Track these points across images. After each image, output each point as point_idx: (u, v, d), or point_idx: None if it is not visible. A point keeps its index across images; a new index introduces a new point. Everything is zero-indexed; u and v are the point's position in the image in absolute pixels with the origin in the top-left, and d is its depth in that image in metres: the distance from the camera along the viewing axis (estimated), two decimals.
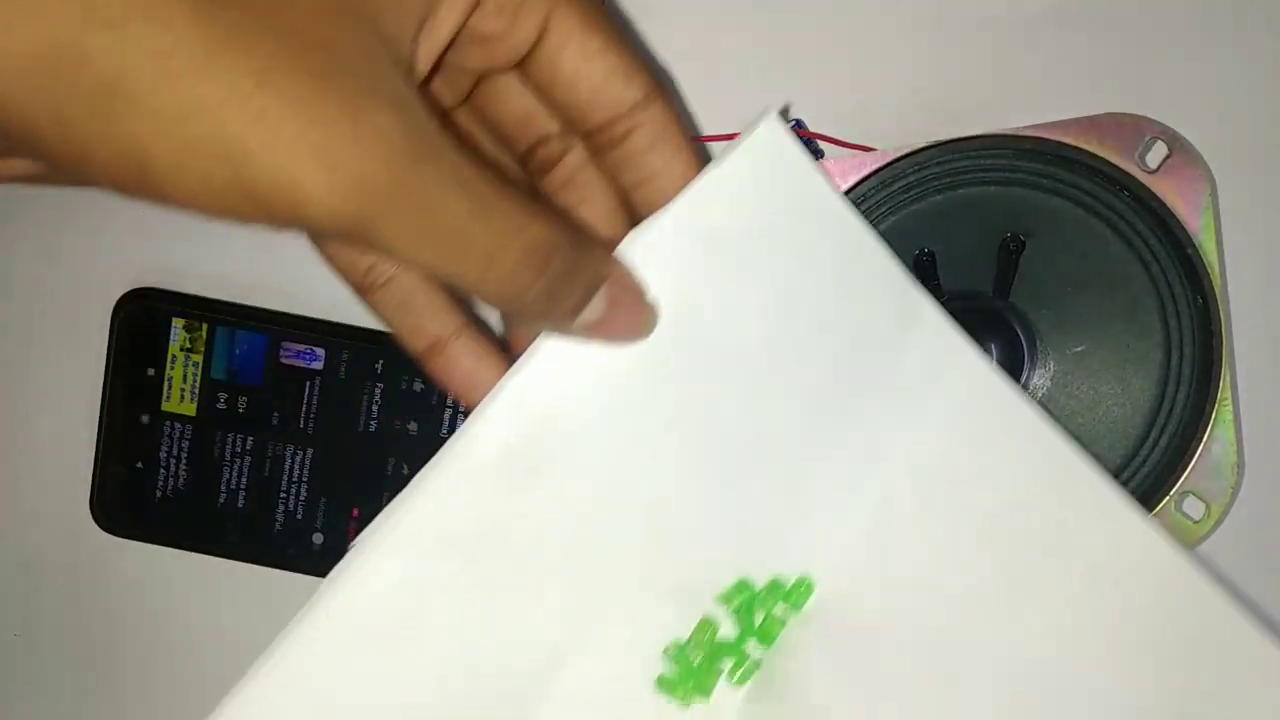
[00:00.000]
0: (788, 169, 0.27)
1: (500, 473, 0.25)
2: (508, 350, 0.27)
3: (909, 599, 0.30)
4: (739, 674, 0.29)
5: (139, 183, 0.19)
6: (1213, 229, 0.32)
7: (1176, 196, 0.32)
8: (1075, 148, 0.32)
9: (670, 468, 0.28)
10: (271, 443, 0.37)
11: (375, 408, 0.36)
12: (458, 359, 0.27)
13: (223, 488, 0.37)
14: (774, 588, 0.29)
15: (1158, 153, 0.32)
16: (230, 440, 0.37)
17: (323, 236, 0.20)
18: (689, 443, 0.28)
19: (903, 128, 0.33)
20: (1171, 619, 0.28)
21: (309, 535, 0.37)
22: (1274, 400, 0.33)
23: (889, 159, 0.32)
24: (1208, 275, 0.32)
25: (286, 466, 0.37)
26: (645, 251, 0.25)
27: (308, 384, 0.37)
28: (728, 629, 0.29)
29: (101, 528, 0.38)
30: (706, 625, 0.29)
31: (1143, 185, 0.32)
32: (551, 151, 0.27)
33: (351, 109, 0.19)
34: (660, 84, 0.25)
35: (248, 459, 0.37)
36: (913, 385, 0.30)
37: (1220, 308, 0.32)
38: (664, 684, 0.29)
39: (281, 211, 0.19)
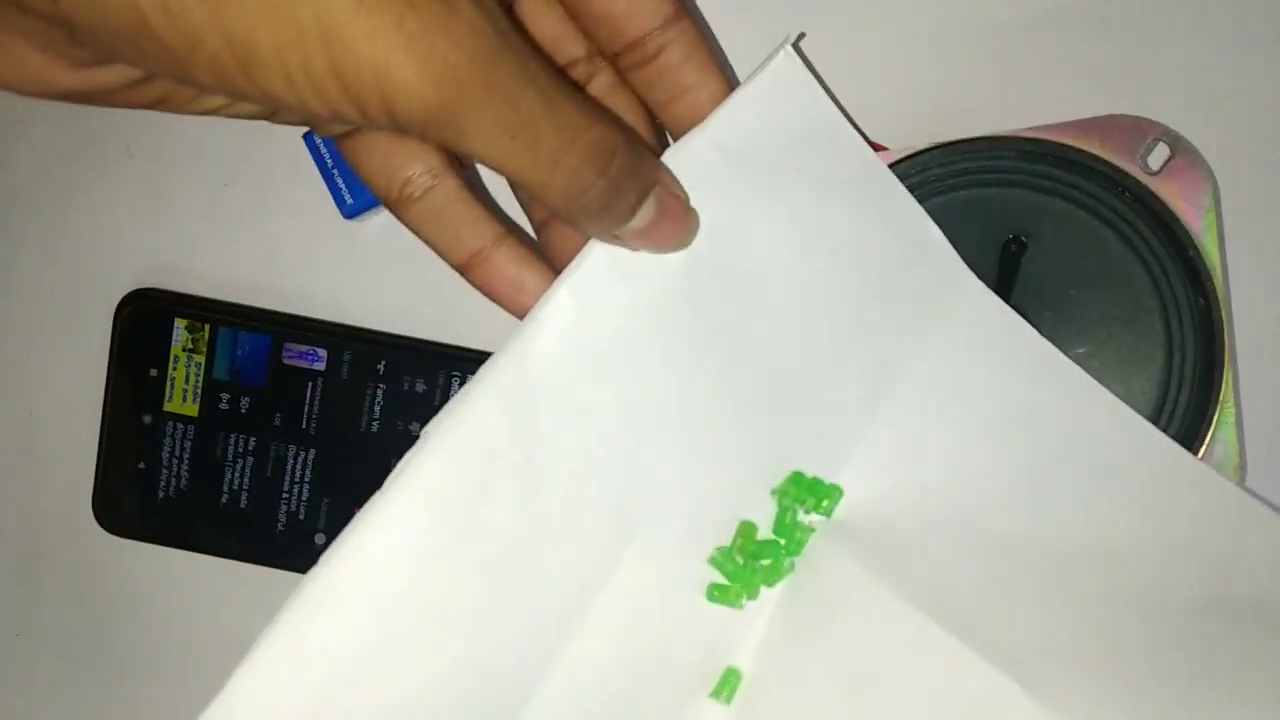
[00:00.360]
0: (804, 97, 0.28)
1: (557, 369, 0.26)
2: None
3: (935, 502, 0.31)
4: (775, 575, 0.30)
5: (242, 72, 0.20)
6: (1215, 230, 0.32)
7: (1178, 198, 0.32)
8: (1077, 149, 0.32)
9: (702, 382, 0.28)
10: (274, 443, 0.37)
11: (377, 408, 0.36)
12: (501, 267, 0.27)
13: (225, 488, 0.37)
14: (815, 484, 0.30)
15: (1160, 154, 0.32)
16: (232, 441, 0.37)
17: (403, 128, 0.21)
18: (719, 358, 0.28)
19: (904, 129, 0.33)
20: (1173, 501, 0.30)
21: (311, 536, 0.37)
22: (1276, 402, 0.33)
23: (890, 160, 0.32)
24: (1209, 277, 0.32)
25: (289, 467, 0.37)
26: (683, 166, 0.26)
27: (310, 385, 0.37)
28: (765, 531, 0.30)
29: (104, 528, 0.38)
30: (748, 528, 0.30)
31: (1144, 187, 0.32)
32: (579, 75, 0.28)
33: (444, 1, 0.20)
34: (687, 2, 0.26)
35: (250, 459, 0.37)
36: (926, 308, 0.31)
37: (1222, 309, 0.31)
38: (716, 592, 0.30)
39: (373, 101, 0.20)
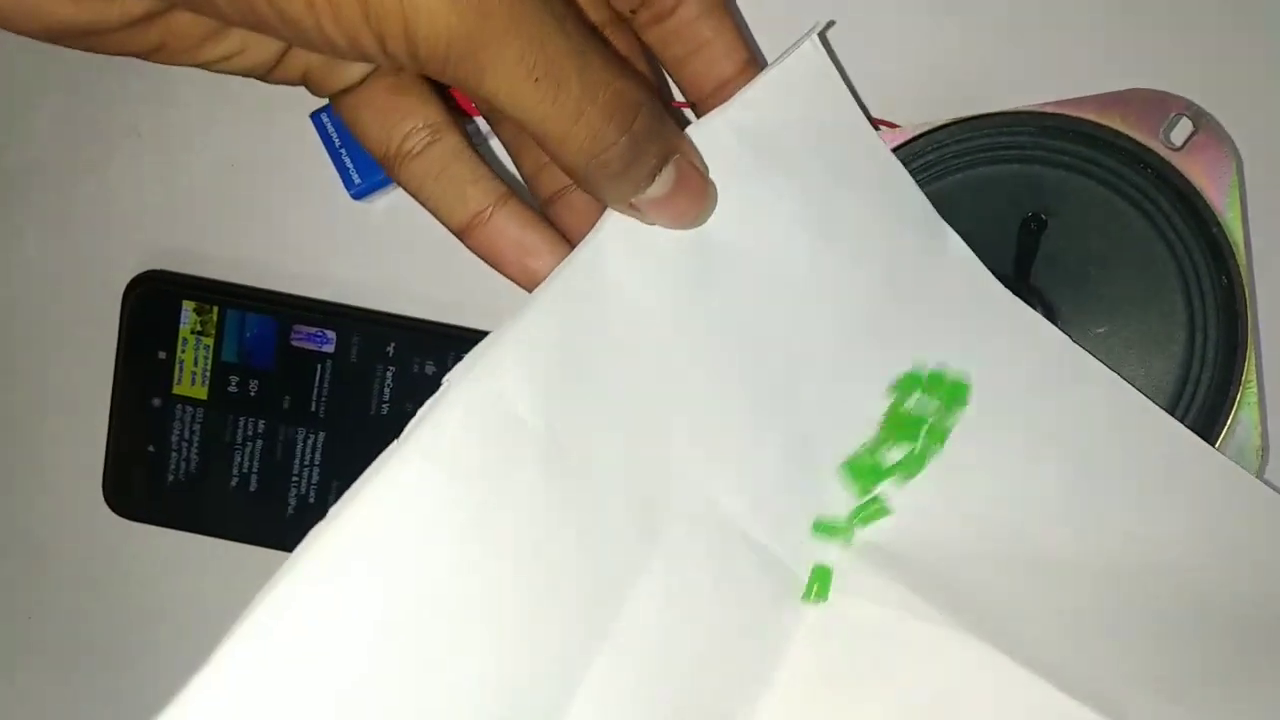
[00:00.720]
0: (826, 89, 0.28)
1: (576, 337, 0.25)
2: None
3: (980, 522, 0.29)
4: (918, 465, 0.30)
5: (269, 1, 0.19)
6: (1239, 208, 0.31)
7: (1202, 175, 0.31)
8: (1098, 125, 0.31)
9: (721, 369, 0.27)
10: (283, 426, 0.37)
11: (387, 391, 0.36)
12: (504, 228, 0.26)
13: (234, 471, 0.37)
14: (937, 378, 0.30)
15: (1183, 130, 0.31)
16: (242, 424, 0.37)
17: (421, 63, 0.20)
18: (737, 346, 0.27)
19: (921, 104, 0.33)
20: (1225, 513, 0.29)
21: (321, 519, 0.37)
22: None
23: (907, 136, 0.31)
24: (1233, 255, 0.31)
25: (298, 450, 0.37)
26: (702, 145, 0.26)
27: (319, 367, 0.36)
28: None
29: (113, 511, 0.38)
30: (898, 411, 0.29)
31: (1167, 163, 0.31)
32: None
33: None
34: None
35: (259, 442, 0.37)
36: (956, 318, 0.30)
37: (1245, 288, 0.31)
38: (852, 471, 0.29)
39: (394, 27, 0.19)
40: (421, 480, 0.22)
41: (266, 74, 0.25)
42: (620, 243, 0.25)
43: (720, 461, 0.28)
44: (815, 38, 0.27)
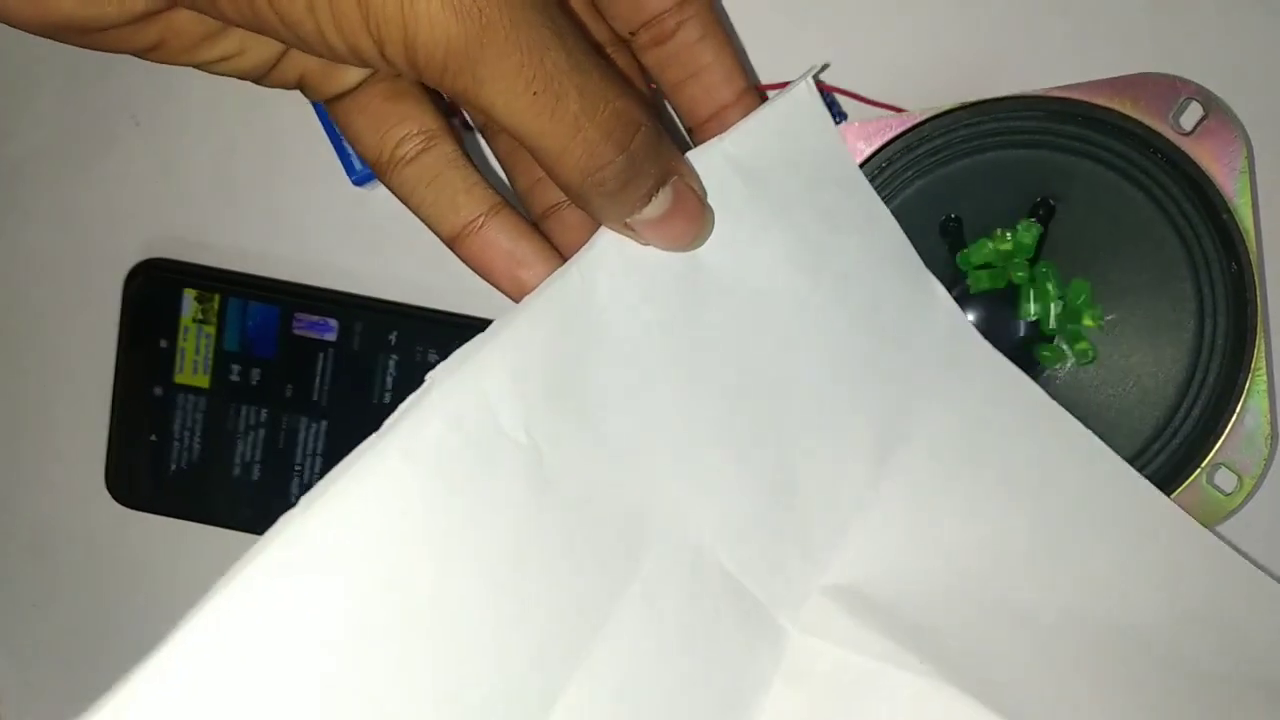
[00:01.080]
0: (819, 132, 0.28)
1: (562, 354, 0.24)
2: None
3: (951, 571, 0.29)
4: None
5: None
6: (1249, 193, 0.31)
7: (1211, 160, 0.31)
8: (1107, 109, 0.31)
9: (706, 399, 0.27)
10: (285, 415, 0.36)
11: (389, 379, 0.36)
12: (495, 239, 0.26)
13: (237, 460, 0.37)
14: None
15: (1192, 114, 0.31)
16: (244, 412, 0.37)
17: (420, 70, 0.20)
18: (723, 377, 0.27)
19: (930, 88, 0.32)
20: (1189, 575, 0.30)
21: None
22: None
23: (916, 120, 0.31)
24: (1243, 241, 0.31)
25: (300, 439, 0.36)
26: (702, 168, 0.25)
27: (321, 355, 0.36)
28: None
29: (116, 500, 0.38)
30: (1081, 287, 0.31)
31: (1176, 148, 0.31)
32: None
33: None
34: None
35: (261, 431, 0.37)
36: (937, 366, 0.30)
37: (1255, 274, 0.31)
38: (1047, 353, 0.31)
39: (393, 33, 0.19)
40: (399, 477, 0.22)
41: (263, 77, 0.25)
42: (613, 261, 0.25)
43: (702, 492, 0.27)
44: (809, 81, 0.27)
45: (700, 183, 0.25)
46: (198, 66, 0.24)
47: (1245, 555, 0.32)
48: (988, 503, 0.30)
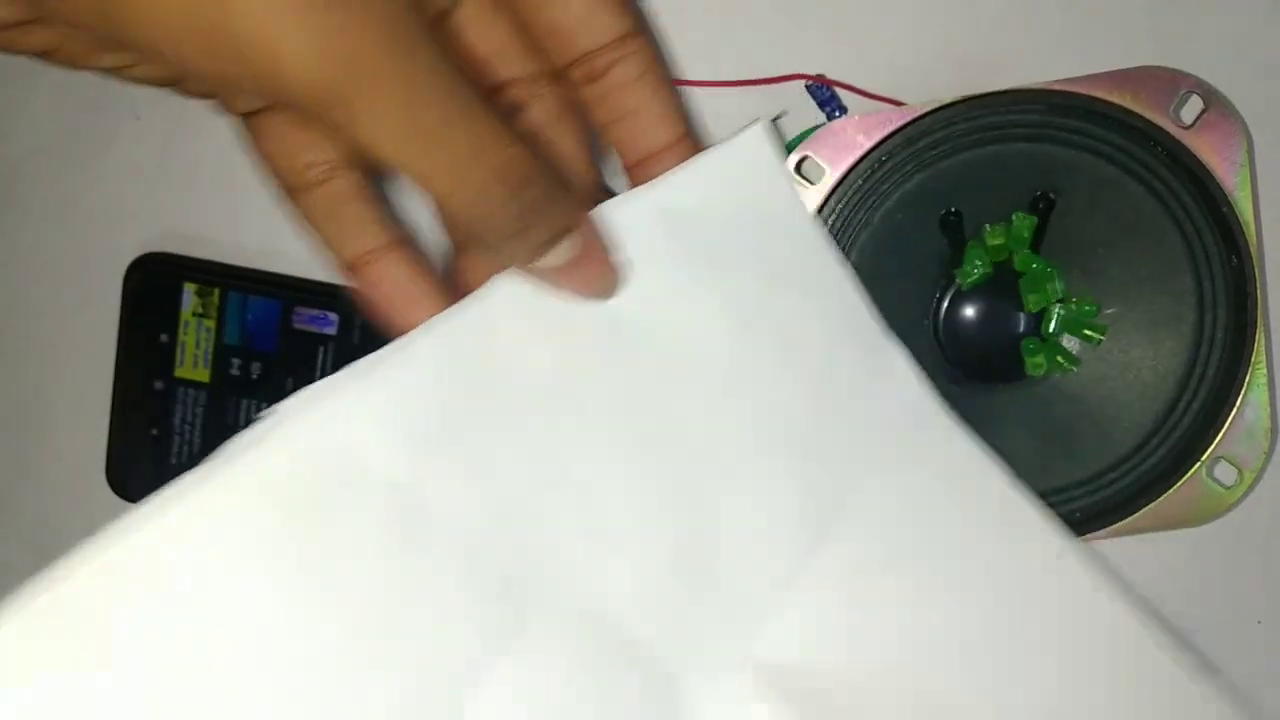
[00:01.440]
0: (769, 182, 0.27)
1: (450, 397, 0.23)
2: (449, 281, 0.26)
3: (882, 658, 0.28)
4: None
5: (120, 8, 0.18)
6: (1249, 187, 0.31)
7: (1212, 153, 0.31)
8: (1107, 102, 0.31)
9: (620, 457, 0.26)
10: None
11: None
12: (391, 271, 0.25)
13: None
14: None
15: (1193, 108, 0.31)
16: (244, 406, 0.37)
17: (294, 106, 0.19)
18: (642, 432, 0.26)
19: (930, 82, 0.32)
20: (1139, 693, 0.28)
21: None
22: None
23: (916, 114, 0.31)
24: (1243, 234, 0.31)
25: None
26: (623, 223, 0.25)
27: (321, 349, 0.36)
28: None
29: (117, 494, 0.38)
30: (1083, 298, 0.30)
31: (1177, 141, 0.31)
32: (518, 95, 0.26)
33: None
34: (644, 22, 0.25)
35: None
36: (885, 437, 0.29)
37: (1255, 268, 0.31)
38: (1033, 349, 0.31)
39: (260, 69, 0.18)
40: (240, 504, 0.21)
41: (175, 87, 0.24)
42: (515, 302, 0.24)
43: (607, 553, 0.26)
44: (760, 127, 0.26)
45: (603, 238, 0.24)
46: (102, 73, 0.23)
47: (1245, 549, 0.32)
48: (931, 593, 0.28)
